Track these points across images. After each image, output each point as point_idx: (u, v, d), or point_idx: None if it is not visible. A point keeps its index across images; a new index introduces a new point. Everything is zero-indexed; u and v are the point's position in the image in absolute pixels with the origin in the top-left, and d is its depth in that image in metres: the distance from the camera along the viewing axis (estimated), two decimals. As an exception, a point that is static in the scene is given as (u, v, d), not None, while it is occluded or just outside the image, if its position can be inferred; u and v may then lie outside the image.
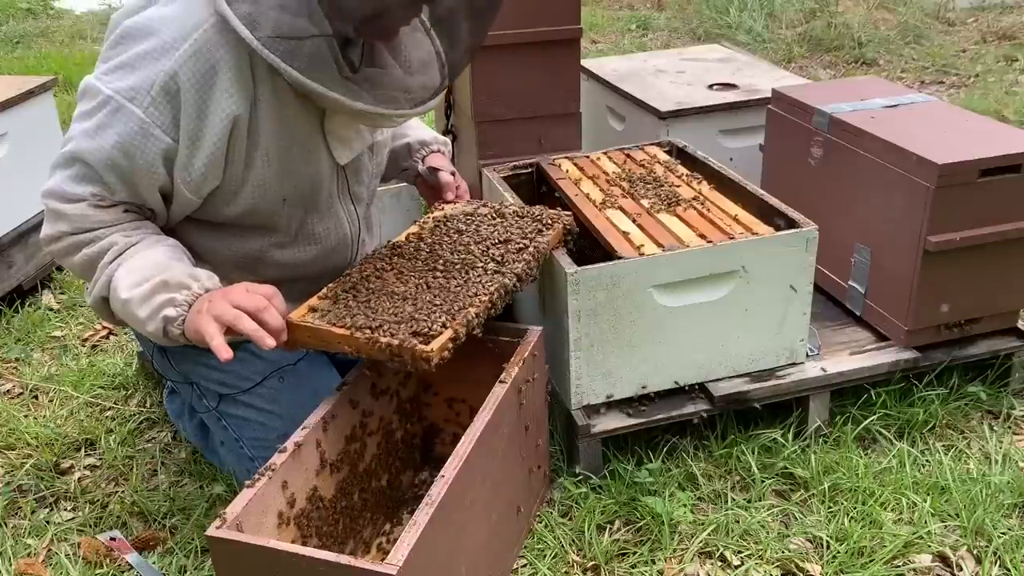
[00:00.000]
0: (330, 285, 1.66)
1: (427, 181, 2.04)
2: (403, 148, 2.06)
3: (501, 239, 1.78)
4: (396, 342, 1.46)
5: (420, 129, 2.11)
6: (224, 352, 1.41)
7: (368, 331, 1.49)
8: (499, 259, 1.71)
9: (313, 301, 1.61)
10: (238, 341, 1.77)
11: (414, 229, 1.87)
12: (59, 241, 1.60)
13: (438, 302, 1.56)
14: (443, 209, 1.95)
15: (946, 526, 1.78)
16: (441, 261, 1.71)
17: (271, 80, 1.56)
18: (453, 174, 2.02)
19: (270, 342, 1.44)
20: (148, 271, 1.52)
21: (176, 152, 1.54)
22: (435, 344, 1.45)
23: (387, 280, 1.66)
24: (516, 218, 1.87)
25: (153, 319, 1.50)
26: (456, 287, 1.61)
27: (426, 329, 1.48)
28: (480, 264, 1.69)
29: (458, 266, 1.69)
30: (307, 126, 1.65)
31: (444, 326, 1.50)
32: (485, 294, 1.59)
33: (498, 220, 1.87)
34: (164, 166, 1.55)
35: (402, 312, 1.54)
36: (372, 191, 1.92)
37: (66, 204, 1.57)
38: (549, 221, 1.85)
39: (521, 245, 1.75)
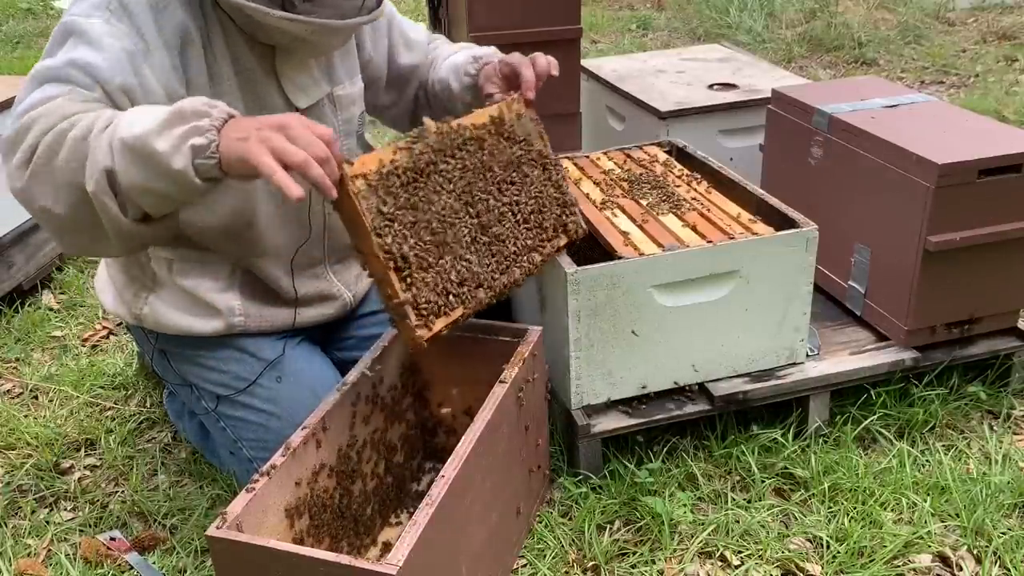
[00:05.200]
0: (399, 159, 1.48)
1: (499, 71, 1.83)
2: (445, 79, 1.92)
3: (533, 215, 1.72)
4: (398, 301, 1.42)
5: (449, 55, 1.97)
6: (295, 190, 1.23)
7: (384, 263, 1.41)
8: (526, 244, 1.69)
9: (373, 164, 1.44)
10: (234, 335, 1.79)
11: (487, 115, 1.67)
12: (34, 152, 1.37)
13: (453, 277, 1.53)
14: (520, 105, 1.74)
15: (946, 526, 1.78)
16: (482, 219, 1.61)
17: (220, 23, 1.58)
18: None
19: (333, 194, 1.31)
20: (156, 111, 1.33)
21: (136, 58, 1.50)
22: (430, 330, 1.46)
23: (438, 203, 1.53)
24: (554, 188, 1.78)
25: (179, 151, 1.28)
26: (480, 266, 1.58)
27: (428, 308, 1.46)
28: (510, 243, 1.66)
29: (491, 239, 1.63)
30: (260, 69, 1.65)
31: (447, 311, 1.50)
32: (496, 285, 1.59)
33: (542, 174, 1.76)
34: (131, 66, 1.49)
35: (425, 268, 1.48)
36: (346, 152, 1.86)
37: (39, 108, 1.41)
38: (570, 222, 1.81)
39: (544, 239, 1.74)
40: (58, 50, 1.49)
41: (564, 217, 1.79)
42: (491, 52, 1.89)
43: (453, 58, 1.94)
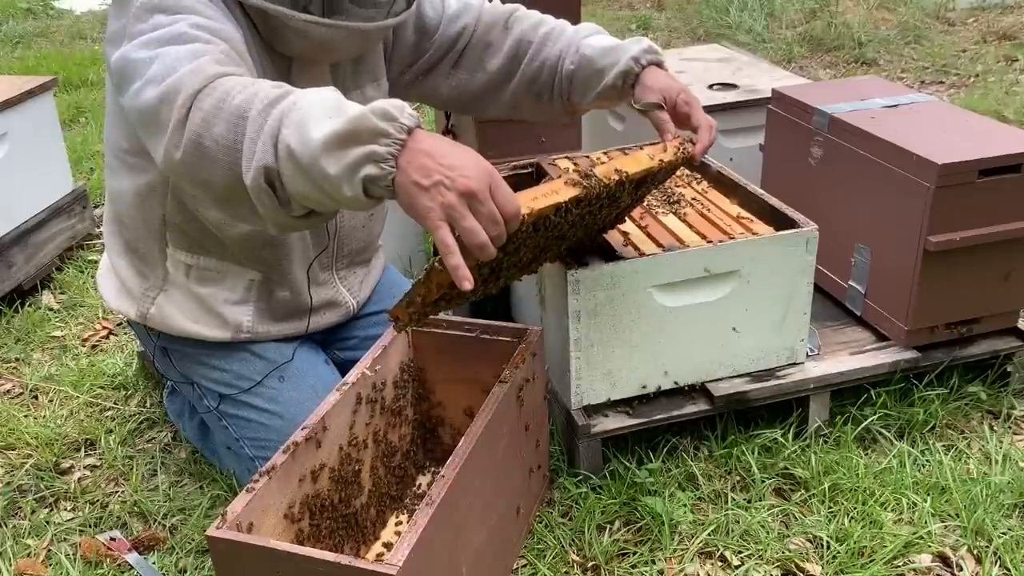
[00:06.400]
0: (553, 216, 1.36)
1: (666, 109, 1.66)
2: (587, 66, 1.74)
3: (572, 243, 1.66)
4: (421, 308, 1.38)
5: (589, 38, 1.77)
6: (468, 283, 1.15)
7: (441, 286, 1.31)
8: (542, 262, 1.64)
9: (531, 220, 1.30)
10: (240, 341, 1.79)
11: (649, 164, 1.53)
12: (190, 121, 1.24)
13: (471, 297, 1.51)
14: (680, 159, 1.59)
15: (946, 526, 1.78)
16: (539, 255, 1.53)
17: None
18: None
19: (469, 286, 1.16)
20: (328, 111, 1.18)
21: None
22: (400, 323, 1.43)
23: (527, 246, 1.41)
24: (612, 222, 1.71)
25: (350, 181, 1.15)
26: (498, 285, 1.54)
27: (431, 315, 1.45)
28: (535, 267, 1.62)
29: (527, 267, 1.56)
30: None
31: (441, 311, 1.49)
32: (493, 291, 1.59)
33: (616, 216, 1.67)
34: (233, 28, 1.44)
35: (463, 298, 1.44)
36: None
37: (182, 69, 1.27)
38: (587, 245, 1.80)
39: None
40: (144, 24, 1.37)
41: (589, 242, 1.79)
42: (655, 48, 1.71)
43: (598, 40, 1.76)
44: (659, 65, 1.70)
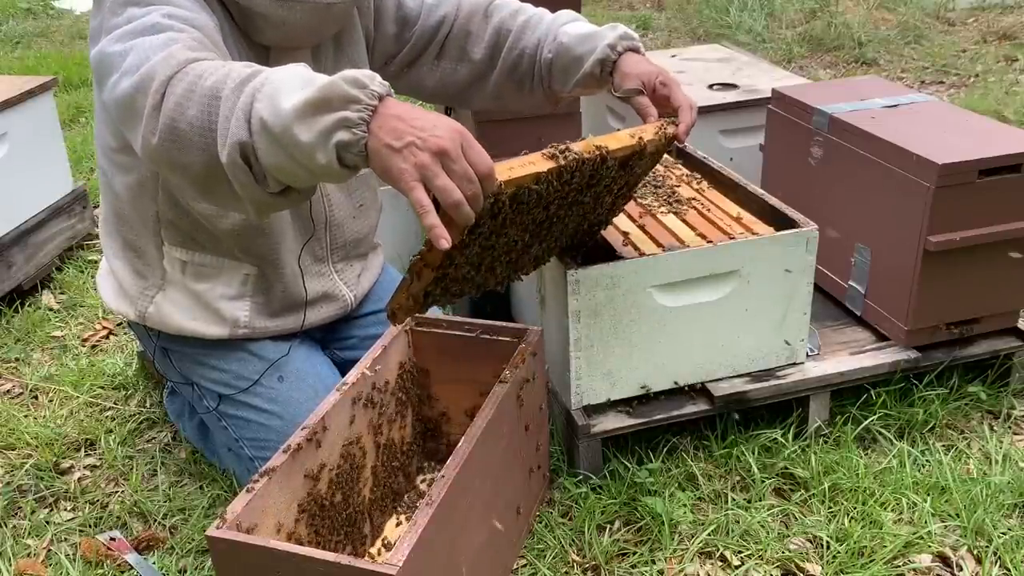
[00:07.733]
0: (537, 187, 1.37)
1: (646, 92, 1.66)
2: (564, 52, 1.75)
3: (570, 237, 1.66)
4: (413, 298, 1.39)
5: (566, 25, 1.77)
6: (444, 242, 1.15)
7: (430, 274, 1.34)
8: (540, 257, 1.63)
9: (511, 188, 1.31)
10: (237, 338, 1.79)
11: (633, 143, 1.52)
12: (164, 107, 1.25)
13: (465, 290, 1.51)
14: (664, 140, 1.59)
15: (946, 526, 1.78)
16: (533, 244, 1.53)
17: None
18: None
19: (446, 245, 1.17)
20: (300, 81, 1.19)
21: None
22: (399, 315, 1.43)
23: (516, 227, 1.42)
24: (606, 213, 1.71)
25: (323, 147, 1.16)
26: (495, 277, 1.53)
27: (409, 303, 1.45)
28: (530, 260, 1.61)
29: (521, 258, 1.56)
30: None
31: (436, 305, 1.50)
32: (491, 286, 1.58)
33: (611, 205, 1.66)
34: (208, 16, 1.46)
35: (452, 288, 1.45)
36: None
37: (155, 58, 1.29)
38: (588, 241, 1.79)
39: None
40: (119, 17, 1.39)
41: (586, 237, 1.78)
42: (631, 34, 1.71)
43: (575, 27, 1.77)
44: (636, 51, 1.71)
